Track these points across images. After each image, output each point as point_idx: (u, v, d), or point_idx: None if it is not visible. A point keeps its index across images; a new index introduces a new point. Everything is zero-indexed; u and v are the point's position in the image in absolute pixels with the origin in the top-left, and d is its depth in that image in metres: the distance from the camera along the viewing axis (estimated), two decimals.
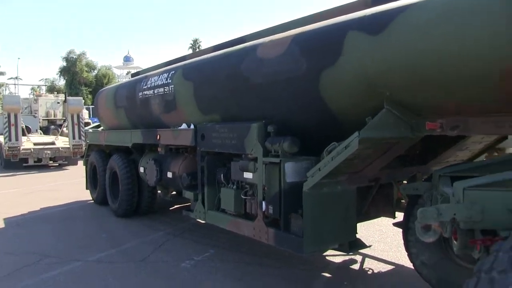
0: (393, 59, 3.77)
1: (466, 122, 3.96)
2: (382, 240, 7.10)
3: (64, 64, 61.91)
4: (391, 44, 3.75)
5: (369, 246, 5.29)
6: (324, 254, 6.34)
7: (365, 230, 7.33)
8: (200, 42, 66.02)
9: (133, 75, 10.55)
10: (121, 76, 67.57)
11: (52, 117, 27.51)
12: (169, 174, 7.01)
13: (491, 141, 5.62)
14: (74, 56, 61.91)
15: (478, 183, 3.23)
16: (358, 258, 6.26)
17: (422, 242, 4.65)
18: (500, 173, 3.32)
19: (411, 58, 3.64)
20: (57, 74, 65.05)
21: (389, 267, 5.95)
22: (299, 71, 4.58)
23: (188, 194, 6.50)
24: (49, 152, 18.81)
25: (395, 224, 5.48)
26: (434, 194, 4.03)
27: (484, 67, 3.26)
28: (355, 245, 5.02)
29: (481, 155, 5.91)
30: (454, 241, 3.52)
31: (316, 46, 4.47)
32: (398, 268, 5.89)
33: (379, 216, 5.87)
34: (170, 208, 9.81)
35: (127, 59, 77.02)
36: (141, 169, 8.06)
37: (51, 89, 57.92)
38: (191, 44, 66.48)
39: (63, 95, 28.96)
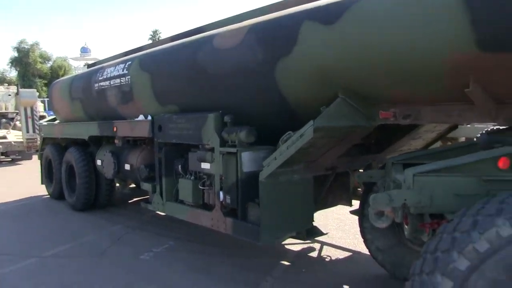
0: (346, 49, 3.83)
1: (417, 111, 4.07)
2: (340, 227, 7.23)
3: (16, 54, 59.58)
4: (344, 34, 3.81)
5: (326, 234, 5.39)
6: (283, 242, 6.41)
7: (324, 218, 7.45)
8: (160, 33, 65.04)
9: (89, 66, 10.32)
10: (78, 67, 65.68)
11: (3, 110, 26.52)
12: (127, 166, 6.93)
13: (443, 130, 5.80)
14: (26, 46, 59.50)
15: (427, 169, 3.33)
16: (317, 246, 6.36)
17: (377, 229, 4.78)
18: (447, 160, 3.44)
19: (364, 48, 3.70)
20: (7, 65, 62.53)
21: (347, 253, 6.08)
22: (255, 61, 4.59)
23: (146, 186, 6.44)
24: (0, 146, 18.17)
25: (352, 212, 5.59)
26: (387, 181, 4.14)
27: (432, 58, 3.37)
28: (312, 233, 5.10)
29: (434, 144, 6.09)
30: (405, 226, 3.64)
31: (272, 36, 4.48)
32: (355, 254, 6.02)
33: (337, 204, 5.98)
34: (129, 201, 9.69)
35: (84, 50, 74.99)
36: (98, 162, 7.92)
37: (1, 80, 55.76)
38: (151, 35, 65.46)
39: (15, 87, 27.89)
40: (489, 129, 4.55)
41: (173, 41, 6.43)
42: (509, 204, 2.58)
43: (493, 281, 2.45)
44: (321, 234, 5.21)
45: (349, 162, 5.35)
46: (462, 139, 10.03)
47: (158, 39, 53.40)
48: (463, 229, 2.61)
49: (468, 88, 3.38)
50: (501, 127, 4.21)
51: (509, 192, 2.75)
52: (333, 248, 6.26)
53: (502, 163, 3.29)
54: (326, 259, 5.89)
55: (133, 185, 8.39)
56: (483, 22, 3.06)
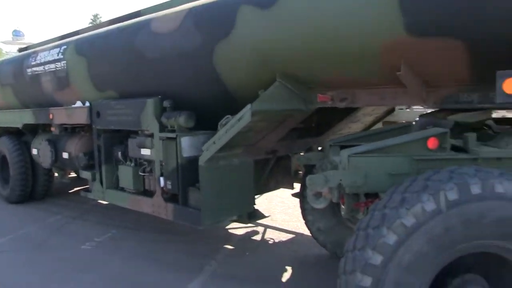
0: (283, 33, 3.87)
1: (353, 94, 4.19)
2: (284, 211, 7.34)
3: None
4: (281, 18, 3.85)
5: (268, 216, 5.46)
6: (227, 227, 6.47)
7: (268, 201, 7.54)
8: (100, 17, 63.06)
9: (20, 50, 9.82)
10: (10, 52, 62.46)
11: None
12: (65, 155, 6.71)
13: (381, 113, 5.98)
14: None
15: (361, 150, 3.43)
16: (260, 229, 6.44)
17: (318, 210, 4.91)
18: (381, 141, 3.56)
19: (299, 32, 3.76)
20: None
21: (290, 236, 6.20)
22: (193, 45, 4.55)
23: (85, 174, 6.28)
24: None
25: (294, 195, 5.69)
26: (325, 163, 4.24)
27: (364, 42, 3.47)
28: (254, 216, 5.15)
29: (373, 127, 6.27)
30: (342, 206, 3.74)
31: (210, 20, 4.46)
32: (298, 236, 6.14)
33: (279, 188, 6.05)
34: (69, 191, 9.42)
35: (16, 33, 70.76)
36: (34, 151, 7.61)
37: None
38: (92, 19, 63.32)
39: None
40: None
41: (112, 25, 6.25)
42: (433, 181, 2.71)
43: (418, 253, 2.58)
44: (263, 217, 5.28)
45: (290, 146, 5.43)
46: (403, 121, 10.37)
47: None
48: (392, 205, 2.72)
49: (400, 71, 3.51)
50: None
51: (434, 170, 2.89)
52: (277, 231, 6.36)
53: (431, 144, 3.44)
54: (269, 242, 5.98)
55: (73, 174, 8.16)
56: (411, 8, 3.18)
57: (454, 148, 3.59)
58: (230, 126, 4.17)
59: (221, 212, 4.60)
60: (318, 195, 3.97)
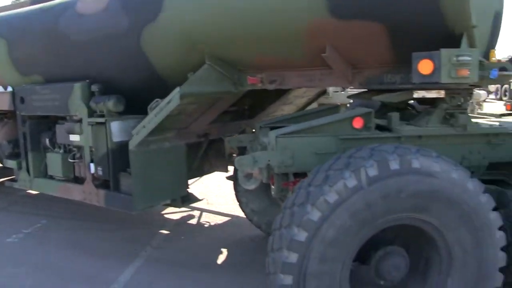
0: (210, 16, 3.87)
1: (282, 76, 4.25)
2: (220, 194, 7.37)
3: None
4: (207, 1, 3.83)
5: (202, 199, 5.45)
6: (163, 212, 6.43)
7: (204, 185, 7.54)
8: None
9: None
10: None
11: None
12: None
13: (313, 95, 6.09)
14: None
15: (289, 131, 3.50)
16: (196, 213, 6.45)
17: (251, 191, 4.97)
18: (307, 122, 3.64)
19: (225, 14, 3.77)
20: None
21: (226, 219, 6.25)
22: (120, 27, 4.44)
23: (10, 163, 5.99)
24: None
25: (228, 178, 5.72)
26: (255, 145, 4.28)
27: (290, 24, 3.53)
28: (188, 199, 5.14)
29: (306, 108, 6.38)
30: (272, 186, 3.81)
31: (137, 2, 4.36)
32: (234, 218, 6.20)
33: (213, 171, 6.05)
34: None
35: None
36: None
37: None
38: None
39: None
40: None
41: (35, 4, 5.93)
42: (355, 158, 2.81)
43: (341, 228, 2.68)
44: (197, 200, 5.27)
45: (222, 129, 5.43)
46: (338, 103, 10.63)
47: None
48: (316, 183, 2.80)
49: (325, 53, 3.59)
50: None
51: (357, 148, 3.00)
52: (213, 214, 6.39)
53: (356, 123, 3.56)
54: (205, 225, 6.01)
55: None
56: None
57: (379, 127, 3.74)
58: (159, 110, 4.11)
59: (153, 196, 4.56)
60: (249, 176, 4.02)
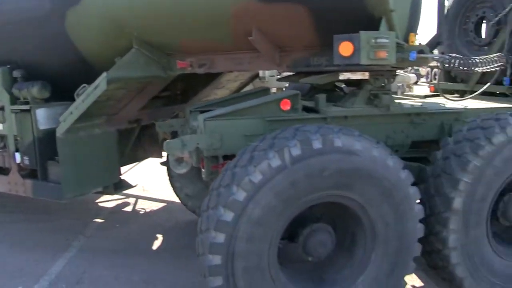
0: None
1: (211, 60, 4.24)
2: (156, 180, 7.26)
3: None
4: None
5: (135, 186, 5.36)
6: (97, 201, 6.30)
7: (140, 172, 7.42)
8: None
9: None
10: None
11: None
12: None
13: (246, 79, 6.12)
14: None
15: (217, 114, 3.51)
16: (132, 200, 6.36)
17: (185, 176, 4.96)
18: (235, 104, 3.66)
19: None
20: None
21: (161, 204, 6.21)
22: (43, 10, 4.26)
23: None
24: None
25: (162, 163, 5.67)
26: (186, 129, 4.27)
27: (217, 7, 3.53)
28: (121, 186, 5.05)
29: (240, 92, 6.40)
30: (202, 169, 3.82)
31: None
32: (169, 204, 6.18)
33: (148, 157, 5.98)
34: None
35: None
36: None
37: None
38: None
39: None
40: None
41: None
42: (279, 139, 2.87)
43: (266, 207, 2.74)
44: (130, 186, 5.19)
45: (154, 114, 5.35)
46: (273, 90, 10.75)
47: None
48: (242, 164, 2.84)
49: (251, 36, 3.61)
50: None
51: (281, 129, 3.06)
52: (148, 201, 6.34)
53: (283, 105, 3.62)
54: (141, 212, 5.95)
55: None
56: None
57: (307, 109, 3.82)
58: (87, 95, 4.00)
59: (84, 184, 4.44)
60: (180, 160, 4.01)
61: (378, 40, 3.03)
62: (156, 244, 4.93)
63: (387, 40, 3.06)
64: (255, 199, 2.72)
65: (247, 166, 2.78)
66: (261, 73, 10.10)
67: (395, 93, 9.16)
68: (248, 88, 6.25)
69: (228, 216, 2.72)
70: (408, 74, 11.64)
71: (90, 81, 4.16)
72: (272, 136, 2.95)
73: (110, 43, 4.16)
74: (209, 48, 4.08)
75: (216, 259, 2.77)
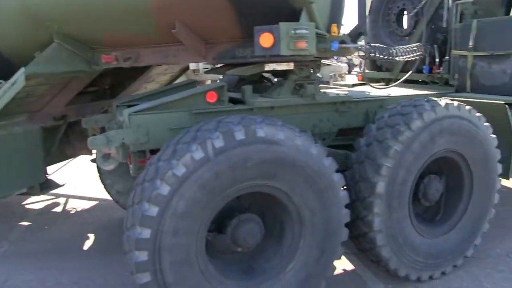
0: None
1: (137, 53, 4.16)
2: (87, 178, 7.06)
3: None
4: None
5: (63, 185, 5.19)
6: (23, 203, 6.05)
7: (71, 170, 7.17)
8: None
9: None
10: None
11: None
12: None
13: (176, 72, 6.05)
14: None
15: (142, 108, 3.45)
16: (62, 200, 6.16)
17: (115, 172, 4.86)
18: (161, 98, 3.62)
19: None
20: None
21: (93, 203, 6.05)
22: None
23: None
24: None
25: (92, 160, 5.51)
26: (112, 124, 4.18)
27: (137, 0, 3.45)
28: (48, 186, 4.87)
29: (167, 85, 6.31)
30: (130, 165, 3.75)
31: None
32: (101, 202, 6.03)
33: (78, 155, 5.78)
34: None
35: None
36: None
37: None
38: None
39: None
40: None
41: None
42: (202, 131, 2.87)
43: (191, 199, 2.73)
44: (58, 186, 5.02)
45: (82, 110, 5.17)
46: (208, 82, 10.73)
47: None
48: (165, 158, 2.82)
49: (175, 29, 3.57)
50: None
51: (205, 121, 3.05)
52: (79, 200, 6.17)
53: (209, 97, 3.62)
54: (71, 212, 5.78)
55: None
56: None
57: (234, 101, 3.84)
58: (4, 92, 3.81)
59: (5, 185, 4.24)
60: (107, 156, 3.92)
61: (298, 31, 3.08)
62: (88, 244, 4.80)
63: (306, 31, 3.12)
64: (179, 192, 2.70)
65: (171, 160, 2.76)
66: (195, 65, 10.07)
67: (328, 82, 9.43)
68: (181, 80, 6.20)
69: (153, 210, 2.69)
70: (340, 64, 12.03)
71: (7, 76, 3.98)
72: (195, 128, 2.94)
73: (29, 36, 3.98)
74: (134, 42, 4.00)
75: (143, 255, 2.73)
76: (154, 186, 2.71)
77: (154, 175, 2.76)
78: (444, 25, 5.30)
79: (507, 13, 5.25)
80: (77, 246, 4.74)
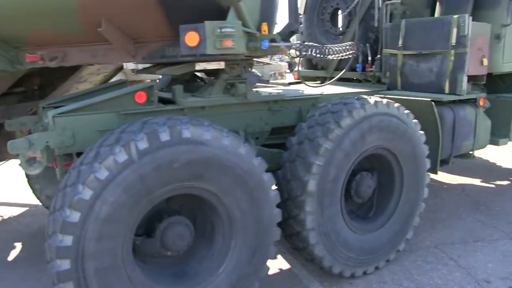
0: None
1: (64, 53, 3.99)
2: (17, 184, 6.73)
3: None
4: None
5: None
6: None
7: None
8: None
9: None
10: None
11: None
12: None
13: (110, 71, 5.88)
14: None
15: (67, 109, 3.31)
16: None
17: (44, 177, 4.66)
18: (87, 100, 3.49)
19: None
20: None
21: (23, 209, 5.82)
22: None
23: None
24: None
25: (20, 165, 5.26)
26: (38, 126, 4.01)
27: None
28: None
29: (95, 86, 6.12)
30: (56, 169, 3.61)
31: None
32: (32, 208, 5.80)
33: (5, 159, 5.49)
34: None
35: None
36: None
37: None
38: None
39: None
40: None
41: None
42: (126, 133, 2.78)
43: (115, 203, 2.64)
44: None
45: (7, 112, 4.92)
46: (148, 80, 10.50)
47: None
48: (87, 161, 2.71)
49: (101, 27, 3.46)
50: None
51: (129, 123, 2.97)
52: (7, 207, 5.87)
53: (138, 98, 3.53)
54: None
55: None
56: None
57: (165, 101, 3.76)
58: None
59: None
60: (32, 160, 3.74)
61: (223, 30, 3.05)
62: (15, 253, 4.57)
63: (232, 30, 3.09)
64: (102, 196, 2.61)
65: (93, 163, 2.65)
66: (133, 65, 9.84)
67: (267, 81, 9.47)
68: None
69: (75, 216, 2.58)
70: (280, 63, 12.13)
71: None
72: (119, 130, 2.85)
73: None
74: (59, 40, 3.83)
75: (65, 264, 2.61)
76: (76, 191, 2.60)
77: (76, 180, 2.65)
78: (376, 24, 5.43)
79: (432, 14, 5.45)
80: (3, 256, 4.50)
